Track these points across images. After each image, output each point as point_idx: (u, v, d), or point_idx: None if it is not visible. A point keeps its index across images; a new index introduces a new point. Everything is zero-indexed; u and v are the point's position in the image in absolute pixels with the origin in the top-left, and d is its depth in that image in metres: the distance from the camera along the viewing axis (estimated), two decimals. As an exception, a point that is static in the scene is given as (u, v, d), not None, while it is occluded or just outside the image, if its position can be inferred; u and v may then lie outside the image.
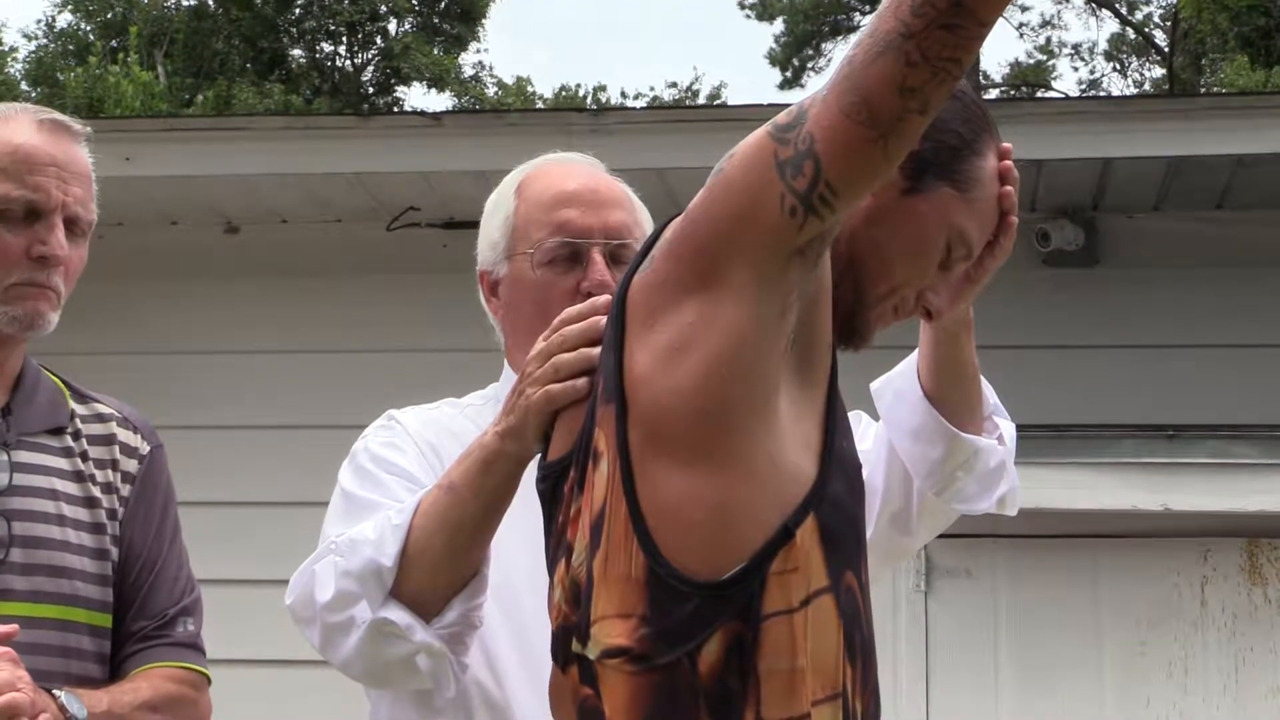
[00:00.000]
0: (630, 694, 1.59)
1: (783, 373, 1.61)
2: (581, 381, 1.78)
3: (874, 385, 2.16)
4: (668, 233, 1.67)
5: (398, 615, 1.90)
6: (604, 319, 1.76)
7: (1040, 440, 4.64)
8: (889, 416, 2.14)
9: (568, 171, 2.20)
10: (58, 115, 2.23)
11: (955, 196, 1.75)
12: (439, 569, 1.90)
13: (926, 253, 1.75)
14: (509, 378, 2.19)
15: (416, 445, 2.13)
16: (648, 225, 2.17)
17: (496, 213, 2.21)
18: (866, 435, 2.18)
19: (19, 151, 2.16)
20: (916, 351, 2.10)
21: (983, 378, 2.12)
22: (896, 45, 1.48)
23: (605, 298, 1.83)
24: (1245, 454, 4.66)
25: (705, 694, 1.57)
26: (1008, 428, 2.16)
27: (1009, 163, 1.81)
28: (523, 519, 1.93)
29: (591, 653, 1.62)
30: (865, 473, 1.80)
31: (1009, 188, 1.81)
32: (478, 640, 1.98)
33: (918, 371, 2.09)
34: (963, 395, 2.07)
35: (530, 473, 1.87)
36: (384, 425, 2.19)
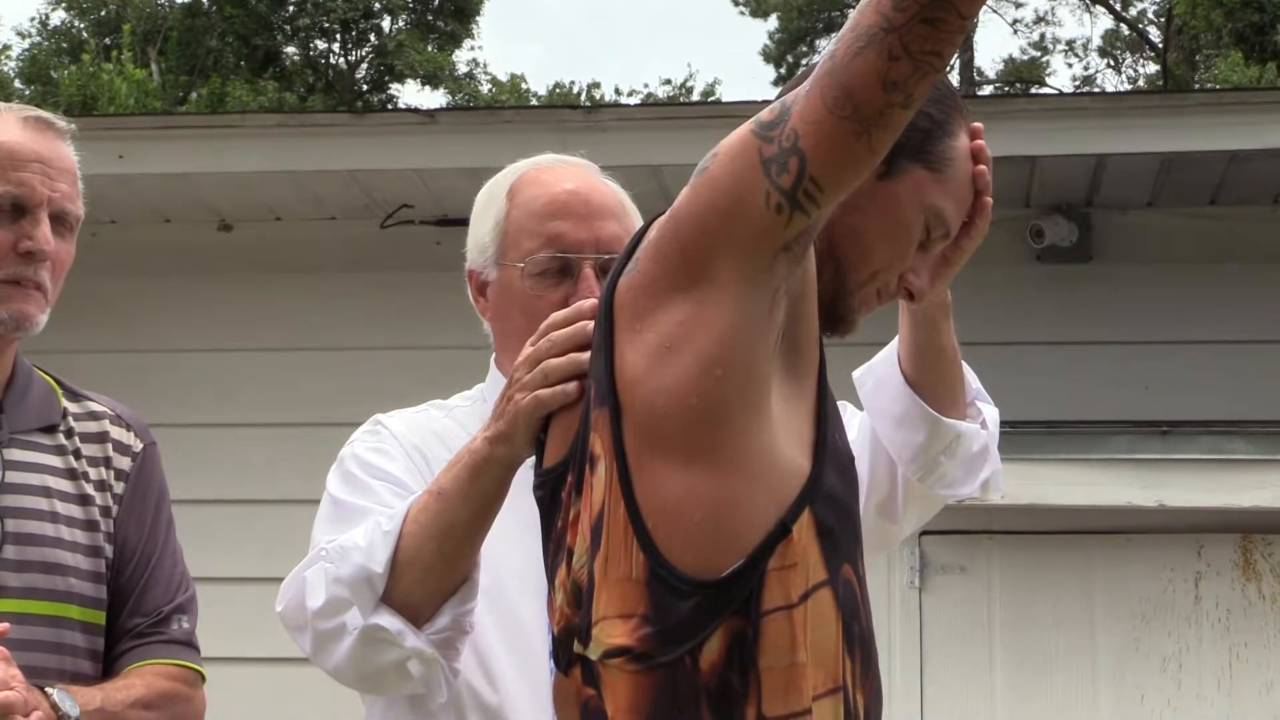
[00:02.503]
0: (632, 693, 1.59)
1: (773, 368, 1.61)
2: (571, 386, 1.77)
3: (856, 374, 2.17)
4: (652, 233, 1.66)
5: (389, 621, 1.89)
6: (591, 323, 1.75)
7: (1034, 436, 4.65)
8: (871, 404, 2.14)
9: (561, 177, 2.17)
10: (42, 112, 2.23)
11: (930, 177, 1.76)
12: (430, 575, 1.90)
13: (905, 235, 1.76)
14: (495, 378, 2.18)
15: (404, 450, 2.12)
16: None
17: (487, 215, 2.19)
18: (851, 425, 2.17)
19: (3, 149, 2.15)
20: (897, 338, 2.10)
21: (965, 364, 2.12)
22: (879, 39, 1.48)
23: (591, 302, 1.82)
24: (1239, 450, 4.66)
25: (707, 692, 1.57)
26: (991, 413, 2.16)
27: (981, 142, 1.82)
28: (513, 523, 1.92)
29: (593, 653, 1.61)
30: None
31: (982, 166, 1.82)
32: (470, 644, 1.98)
33: (898, 358, 2.09)
34: (943, 379, 2.08)
35: (520, 477, 1.87)
36: (371, 430, 2.18)
